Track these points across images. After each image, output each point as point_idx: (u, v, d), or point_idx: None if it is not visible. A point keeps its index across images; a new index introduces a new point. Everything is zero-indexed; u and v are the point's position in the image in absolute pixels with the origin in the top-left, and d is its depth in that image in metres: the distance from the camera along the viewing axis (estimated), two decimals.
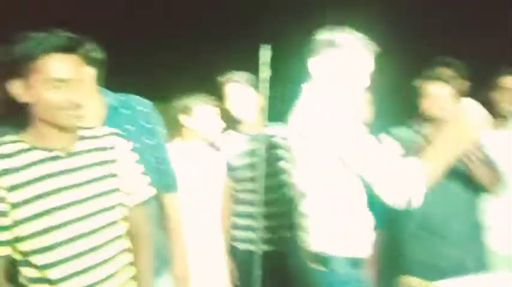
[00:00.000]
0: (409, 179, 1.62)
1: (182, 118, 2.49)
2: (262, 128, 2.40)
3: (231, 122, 2.66)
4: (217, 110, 2.54)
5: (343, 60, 1.78)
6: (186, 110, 2.49)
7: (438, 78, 2.34)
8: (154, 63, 3.84)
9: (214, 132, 2.55)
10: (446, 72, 2.36)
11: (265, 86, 1.74)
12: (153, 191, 1.67)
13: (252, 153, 2.51)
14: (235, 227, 2.64)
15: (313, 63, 1.82)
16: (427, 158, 1.66)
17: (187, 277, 2.11)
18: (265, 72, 1.71)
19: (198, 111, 2.49)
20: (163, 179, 2.01)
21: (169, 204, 2.07)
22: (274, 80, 1.84)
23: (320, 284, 1.77)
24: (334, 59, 1.78)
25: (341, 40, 1.78)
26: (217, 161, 2.59)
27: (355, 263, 1.78)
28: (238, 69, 2.62)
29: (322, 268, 1.77)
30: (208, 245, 2.49)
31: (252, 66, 2.32)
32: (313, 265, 1.80)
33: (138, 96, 1.96)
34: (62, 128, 1.41)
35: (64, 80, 1.36)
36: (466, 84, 2.85)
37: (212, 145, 2.59)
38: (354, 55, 1.78)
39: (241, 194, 2.61)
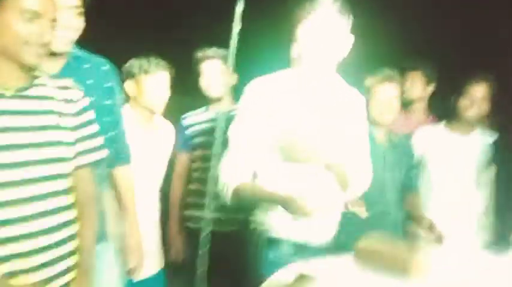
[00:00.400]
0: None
1: (126, 84, 2.28)
2: (229, 105, 2.36)
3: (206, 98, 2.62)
4: (168, 77, 2.33)
5: (317, 29, 1.67)
6: (131, 75, 2.26)
7: (385, 80, 2.33)
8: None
9: (159, 101, 2.32)
10: (396, 74, 2.37)
11: (235, 40, 1.73)
12: (103, 154, 1.60)
13: (211, 131, 2.44)
14: (187, 205, 2.61)
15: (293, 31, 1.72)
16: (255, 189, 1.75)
17: (141, 248, 2.05)
18: (237, 26, 1.70)
19: (144, 78, 2.26)
20: (116, 147, 1.92)
21: (121, 175, 2.00)
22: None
23: (261, 265, 1.77)
24: (309, 27, 1.67)
25: (317, 7, 1.67)
26: (160, 134, 2.44)
27: (300, 248, 1.77)
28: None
29: (265, 250, 1.78)
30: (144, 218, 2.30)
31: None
32: (258, 247, 1.80)
33: (102, 58, 1.90)
34: (20, 65, 1.34)
35: (39, 14, 1.30)
36: (427, 90, 2.93)
37: (158, 114, 2.42)
38: (328, 23, 1.67)
39: (196, 172, 2.59)
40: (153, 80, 2.26)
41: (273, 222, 1.78)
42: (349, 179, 1.80)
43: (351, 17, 1.71)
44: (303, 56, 1.72)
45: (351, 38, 1.74)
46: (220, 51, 2.51)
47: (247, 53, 1.95)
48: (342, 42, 1.71)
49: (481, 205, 2.59)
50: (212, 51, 2.55)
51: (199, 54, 2.57)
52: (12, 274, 1.30)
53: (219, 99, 2.56)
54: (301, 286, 1.33)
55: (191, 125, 2.63)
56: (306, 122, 1.74)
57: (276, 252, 1.77)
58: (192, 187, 2.61)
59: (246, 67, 2.16)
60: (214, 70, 2.54)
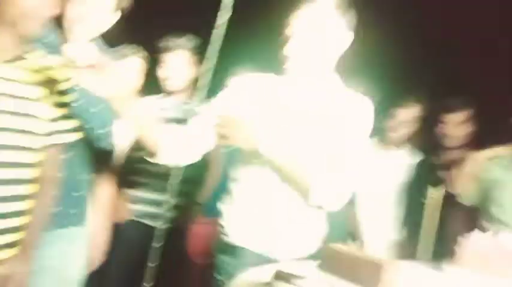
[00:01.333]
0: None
1: None
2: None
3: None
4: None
5: (307, 22, 1.55)
6: None
7: None
8: None
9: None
10: None
11: (220, 32, 1.65)
12: (74, 137, 1.57)
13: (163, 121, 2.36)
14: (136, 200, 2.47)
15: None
16: None
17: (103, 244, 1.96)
18: (223, 17, 1.63)
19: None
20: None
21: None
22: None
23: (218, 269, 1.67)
24: (307, 17, 1.55)
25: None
26: None
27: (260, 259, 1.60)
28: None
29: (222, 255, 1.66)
30: None
31: None
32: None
33: None
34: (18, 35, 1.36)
35: None
36: None
37: None
38: (320, 16, 1.55)
39: (146, 165, 2.40)
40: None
41: (233, 228, 1.66)
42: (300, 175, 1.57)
43: (353, 12, 1.58)
44: (291, 50, 1.57)
45: (350, 36, 1.60)
46: (192, 41, 2.43)
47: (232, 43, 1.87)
48: (336, 38, 1.58)
49: (394, 220, 2.78)
50: (182, 40, 2.43)
51: (166, 43, 2.44)
52: None
53: (176, 92, 2.48)
54: (278, 284, 1.27)
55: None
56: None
57: (233, 259, 1.63)
58: (138, 179, 2.45)
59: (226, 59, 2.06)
60: (178, 62, 2.42)
